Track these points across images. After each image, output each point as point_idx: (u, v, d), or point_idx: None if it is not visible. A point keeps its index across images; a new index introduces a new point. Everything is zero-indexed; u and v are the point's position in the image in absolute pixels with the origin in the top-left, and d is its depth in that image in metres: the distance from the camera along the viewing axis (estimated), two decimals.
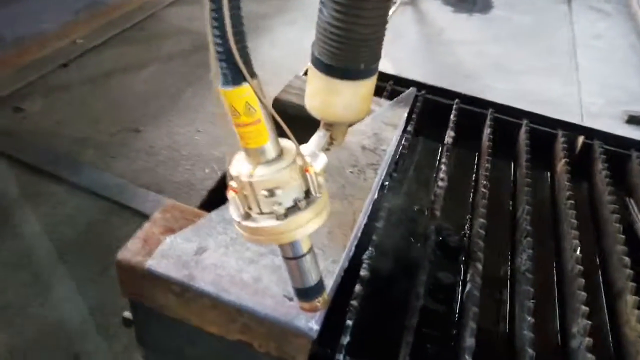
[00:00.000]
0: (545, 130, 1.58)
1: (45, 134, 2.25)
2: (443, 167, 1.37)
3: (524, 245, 1.18)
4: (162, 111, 2.48)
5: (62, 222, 1.85)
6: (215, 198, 1.10)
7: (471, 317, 0.98)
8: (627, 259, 1.13)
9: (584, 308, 1.01)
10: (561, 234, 1.28)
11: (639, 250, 1.23)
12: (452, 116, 1.57)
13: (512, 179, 1.52)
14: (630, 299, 1.05)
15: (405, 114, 1.37)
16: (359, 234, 1.00)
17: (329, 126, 0.84)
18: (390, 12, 4.25)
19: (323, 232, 0.96)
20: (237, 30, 0.56)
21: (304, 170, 0.64)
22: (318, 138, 0.83)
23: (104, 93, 2.63)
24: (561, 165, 1.46)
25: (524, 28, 4.29)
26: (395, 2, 4.45)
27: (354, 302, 0.97)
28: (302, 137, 1.08)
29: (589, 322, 0.98)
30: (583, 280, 1.08)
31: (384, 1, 0.73)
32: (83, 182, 2.01)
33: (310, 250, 0.71)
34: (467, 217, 1.36)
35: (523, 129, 1.56)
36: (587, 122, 2.08)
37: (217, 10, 0.54)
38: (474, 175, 1.51)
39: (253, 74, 0.59)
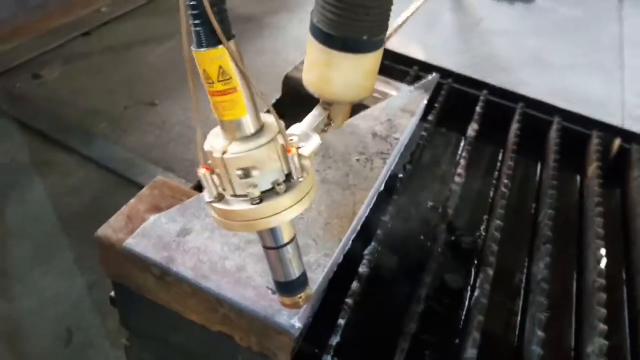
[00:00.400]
0: (579, 130, 1.46)
1: (60, 103, 2.22)
2: (462, 161, 1.27)
3: (543, 252, 1.08)
4: (179, 86, 2.42)
5: (68, 193, 1.82)
6: None
7: (475, 326, 0.89)
8: None
9: (602, 326, 0.91)
10: (585, 243, 1.17)
11: None
12: (477, 108, 1.47)
13: (537, 179, 1.41)
14: None
15: (425, 101, 1.27)
16: (359, 227, 0.92)
17: (327, 105, 0.76)
18: None
19: (319, 222, 0.88)
20: None
21: (285, 150, 0.56)
22: (313, 117, 0.75)
23: (123, 64, 2.59)
24: (593, 168, 1.35)
25: (568, 21, 4.06)
26: None
27: (348, 300, 0.89)
28: None
29: (606, 343, 0.89)
30: (604, 296, 0.98)
31: None
32: (93, 154, 1.98)
33: (293, 240, 0.63)
34: (484, 218, 1.27)
35: (554, 127, 1.45)
36: (628, 125, 1.93)
37: None
38: (495, 172, 1.40)
39: (230, 36, 0.51)
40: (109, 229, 0.85)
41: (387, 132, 1.12)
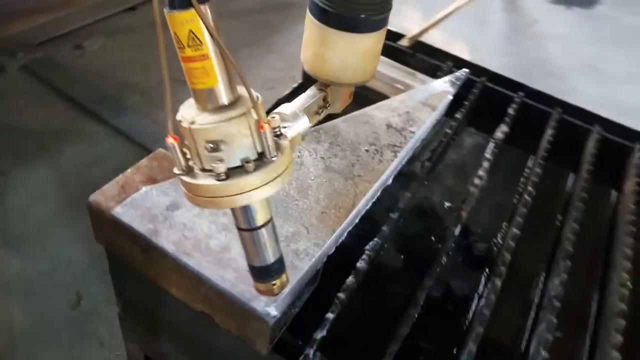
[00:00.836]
0: (619, 142, 1.35)
1: (97, 74, 2.27)
2: (485, 163, 1.19)
3: (561, 268, 1.00)
4: None
5: (94, 162, 1.86)
6: None
7: (473, 337, 0.84)
8: None
9: (616, 354, 0.83)
10: (610, 264, 1.08)
11: None
12: (510, 109, 1.38)
13: (567, 191, 1.31)
14: None
15: (450, 97, 1.20)
16: (357, 220, 0.87)
17: (324, 87, 0.71)
18: None
19: (315, 210, 0.84)
20: None
21: (259, 126, 0.52)
22: (306, 98, 0.70)
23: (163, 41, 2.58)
24: (631, 184, 1.24)
25: (629, 29, 3.78)
26: None
27: (341, 295, 0.85)
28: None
29: None
30: (623, 322, 0.89)
31: None
32: (122, 126, 2.01)
33: (268, 223, 0.60)
34: (503, 225, 1.19)
35: (592, 136, 1.34)
36: None
37: None
38: (522, 179, 1.31)
39: None
40: (100, 196, 0.84)
41: (403, 124, 1.06)
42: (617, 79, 3.20)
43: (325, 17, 0.64)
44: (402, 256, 1.08)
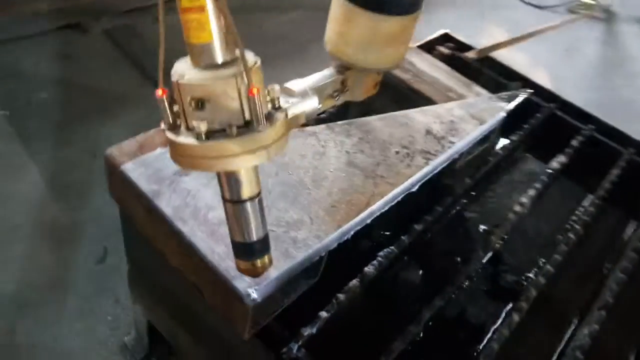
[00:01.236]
0: None
1: (169, 48, 2.33)
2: (531, 191, 1.09)
3: (594, 318, 0.89)
4: (282, 56, 2.43)
5: (149, 129, 1.91)
6: None
7: None
8: None
9: None
10: None
11: None
12: (574, 141, 1.26)
13: (622, 237, 1.18)
14: None
15: (503, 114, 1.11)
16: (369, 221, 0.82)
17: (343, 69, 0.67)
18: (571, 22, 3.68)
19: (325, 202, 0.80)
20: None
21: (248, 92, 0.49)
22: (321, 77, 0.65)
23: (239, 25, 2.63)
24: None
25: None
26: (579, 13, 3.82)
27: (340, 296, 0.80)
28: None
29: None
30: None
31: None
32: None
33: (254, 198, 0.56)
34: (540, 261, 1.08)
35: None
36: None
37: None
38: (572, 216, 1.19)
39: None
40: (117, 150, 0.84)
41: (444, 133, 0.99)
42: None
43: None
44: (421, 271, 1.01)
